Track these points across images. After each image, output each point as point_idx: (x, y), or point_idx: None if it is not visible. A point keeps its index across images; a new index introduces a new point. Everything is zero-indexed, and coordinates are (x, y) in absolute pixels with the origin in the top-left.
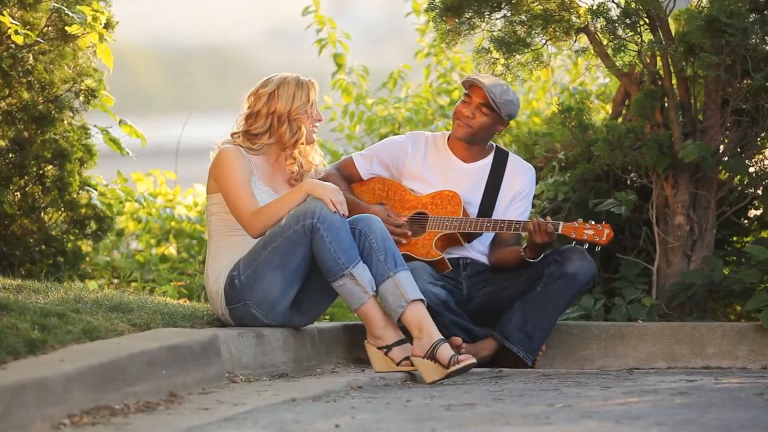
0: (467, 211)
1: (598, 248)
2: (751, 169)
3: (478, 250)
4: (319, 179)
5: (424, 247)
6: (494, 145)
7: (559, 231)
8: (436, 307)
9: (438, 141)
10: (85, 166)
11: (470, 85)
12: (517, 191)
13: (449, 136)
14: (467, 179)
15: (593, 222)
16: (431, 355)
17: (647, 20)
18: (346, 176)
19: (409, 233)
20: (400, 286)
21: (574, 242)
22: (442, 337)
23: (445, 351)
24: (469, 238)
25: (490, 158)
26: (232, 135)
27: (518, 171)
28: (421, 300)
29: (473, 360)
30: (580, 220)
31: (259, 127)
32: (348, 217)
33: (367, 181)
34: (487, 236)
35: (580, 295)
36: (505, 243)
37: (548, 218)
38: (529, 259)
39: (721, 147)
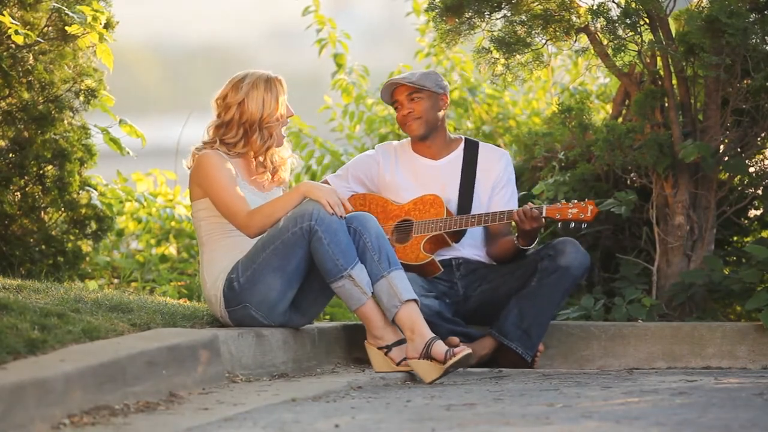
0: (450, 210)
1: (584, 225)
2: (751, 169)
3: (470, 246)
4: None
5: (412, 252)
6: (463, 137)
7: (544, 214)
8: (431, 319)
9: (404, 146)
10: (85, 166)
11: (390, 94)
12: (495, 179)
13: (411, 141)
14: (440, 176)
15: (576, 201)
16: (426, 354)
17: (647, 20)
18: None
19: (395, 245)
20: (393, 286)
21: (560, 223)
22: (435, 335)
23: (440, 347)
24: (457, 237)
25: (459, 150)
26: (205, 144)
27: (491, 158)
28: (415, 300)
29: (469, 350)
30: (563, 201)
31: (232, 137)
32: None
33: (347, 200)
34: (476, 232)
35: (580, 295)
36: (499, 234)
37: (530, 204)
38: (523, 246)
39: (721, 147)
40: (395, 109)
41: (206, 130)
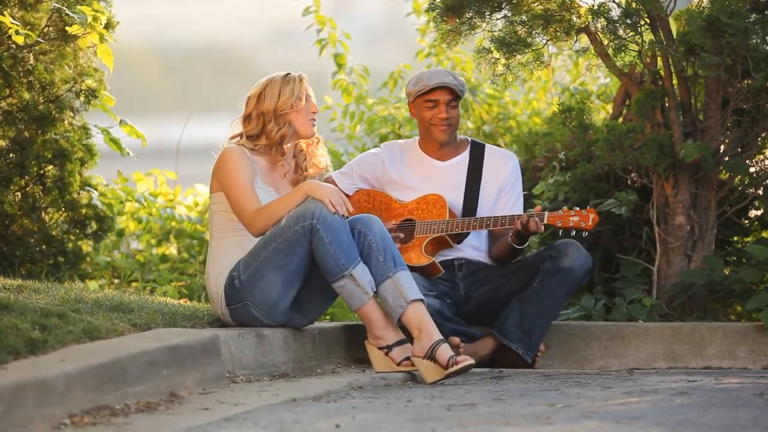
0: (453, 212)
1: (585, 233)
2: (752, 169)
3: (473, 247)
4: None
5: (414, 253)
6: (469, 139)
7: (545, 221)
8: (433, 318)
9: (410, 146)
10: (86, 166)
11: (430, 91)
12: (501, 183)
13: (419, 140)
14: (446, 177)
15: (578, 208)
16: (431, 356)
17: (648, 20)
18: None
19: (398, 243)
20: (399, 286)
21: (561, 231)
22: (442, 337)
23: (444, 352)
24: (458, 239)
25: (466, 153)
26: (230, 138)
27: (498, 161)
28: (421, 300)
29: (471, 361)
30: (565, 208)
31: (252, 130)
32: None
33: (351, 196)
34: (480, 233)
35: (580, 295)
36: (502, 236)
37: (535, 210)
38: (516, 245)
39: (722, 147)
40: (428, 106)
41: (231, 125)
